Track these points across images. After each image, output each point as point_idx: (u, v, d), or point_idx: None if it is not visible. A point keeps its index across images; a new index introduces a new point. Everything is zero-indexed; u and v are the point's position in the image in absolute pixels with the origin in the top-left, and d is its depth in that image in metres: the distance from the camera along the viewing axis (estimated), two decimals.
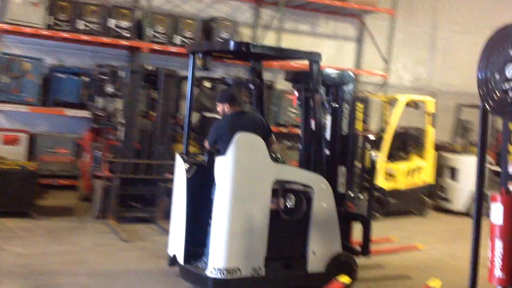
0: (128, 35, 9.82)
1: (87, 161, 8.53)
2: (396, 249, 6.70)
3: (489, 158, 10.45)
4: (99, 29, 9.66)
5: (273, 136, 5.55)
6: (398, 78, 12.98)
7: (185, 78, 8.85)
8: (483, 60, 2.69)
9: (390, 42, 12.31)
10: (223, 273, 4.77)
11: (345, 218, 5.57)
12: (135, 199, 7.84)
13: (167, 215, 7.64)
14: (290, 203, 5.12)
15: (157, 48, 10.03)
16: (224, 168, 4.92)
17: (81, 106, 9.54)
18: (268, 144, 5.24)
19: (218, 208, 4.89)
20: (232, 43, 5.35)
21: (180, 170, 5.39)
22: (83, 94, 9.57)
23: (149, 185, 7.79)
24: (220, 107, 5.49)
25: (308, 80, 5.40)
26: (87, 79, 9.59)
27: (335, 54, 12.27)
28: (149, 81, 7.97)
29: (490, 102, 2.64)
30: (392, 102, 10.35)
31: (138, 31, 10.08)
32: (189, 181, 5.24)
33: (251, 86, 6.06)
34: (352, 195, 6.25)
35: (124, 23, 9.80)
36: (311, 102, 5.41)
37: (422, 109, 10.26)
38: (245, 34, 11.49)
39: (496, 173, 10.56)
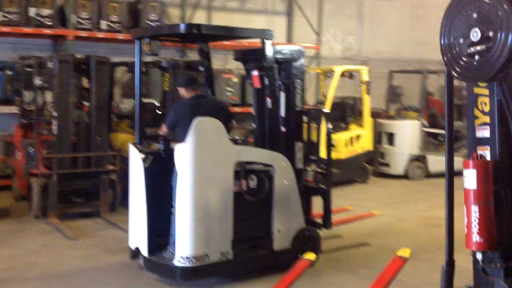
0: (51, 24, 9.34)
1: (20, 159, 8.12)
2: (355, 218, 6.79)
3: (423, 121, 10.81)
4: (18, 19, 9.13)
5: (233, 121, 5.55)
6: (330, 49, 13.09)
7: (118, 64, 8.67)
8: (446, 26, 2.68)
9: (319, 14, 12.37)
10: (191, 261, 4.73)
11: (305, 193, 5.61)
12: (77, 194, 7.58)
13: (112, 208, 7.48)
14: (252, 184, 5.12)
15: (83, 35, 9.60)
16: (184, 155, 4.83)
17: (7, 101, 9.05)
18: (229, 128, 5.27)
19: (180, 196, 4.81)
20: (182, 26, 5.18)
21: (135, 160, 5.26)
22: (7, 89, 9.09)
23: (90, 179, 7.50)
24: (180, 91, 5.39)
25: (260, 58, 5.32)
26: (10, 72, 9.10)
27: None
28: (79, 70, 7.62)
29: (456, 67, 2.64)
30: (328, 74, 10.45)
31: (61, 19, 9.61)
32: (147, 170, 5.13)
33: (201, 68, 5.98)
34: (309, 169, 6.23)
35: (46, 11, 9.30)
36: (265, 80, 5.38)
37: (357, 78, 10.42)
38: (174, 15, 11.22)
39: (432, 135, 10.96)
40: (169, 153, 5.07)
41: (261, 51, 5.28)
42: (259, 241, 5.22)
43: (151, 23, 10.08)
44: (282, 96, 5.58)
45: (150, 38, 5.28)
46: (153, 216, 5.12)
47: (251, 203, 5.11)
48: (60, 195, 7.25)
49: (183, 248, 4.75)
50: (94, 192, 7.51)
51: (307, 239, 5.42)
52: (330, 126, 6.47)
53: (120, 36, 9.81)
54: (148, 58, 9.30)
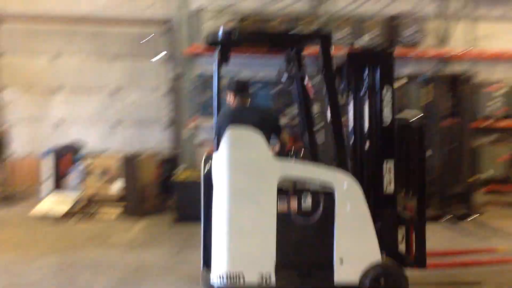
0: None
1: None
2: (491, 261, 5.66)
3: None
4: None
5: (284, 134, 5.13)
6: None
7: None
8: None
9: None
10: (224, 279, 4.47)
11: (397, 222, 4.89)
12: None
13: None
14: (305, 205, 4.66)
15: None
16: (217, 165, 4.60)
17: None
18: (281, 141, 4.99)
19: (215, 210, 4.57)
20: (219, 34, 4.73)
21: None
22: None
23: None
24: (228, 95, 5.14)
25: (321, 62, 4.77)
26: None
27: None
28: None
29: None
30: None
31: None
32: (204, 179, 4.85)
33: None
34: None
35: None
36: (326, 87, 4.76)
37: None
38: (432, 28, 11.00)
39: None
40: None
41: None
42: (315, 270, 4.69)
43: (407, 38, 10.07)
44: (366, 106, 4.93)
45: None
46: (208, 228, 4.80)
47: (304, 225, 4.63)
48: None
49: (218, 265, 4.50)
50: None
51: (383, 276, 4.63)
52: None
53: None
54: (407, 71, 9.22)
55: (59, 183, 8.95)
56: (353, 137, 5.09)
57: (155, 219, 8.22)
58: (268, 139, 4.70)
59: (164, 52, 10.69)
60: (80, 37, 10.63)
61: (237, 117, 4.83)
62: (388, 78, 4.85)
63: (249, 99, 5.17)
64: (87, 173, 8.41)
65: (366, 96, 4.92)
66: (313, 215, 4.65)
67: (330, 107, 4.70)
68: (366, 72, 4.89)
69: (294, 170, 4.64)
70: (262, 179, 4.54)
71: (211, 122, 9.58)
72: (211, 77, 9.42)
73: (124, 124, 10.84)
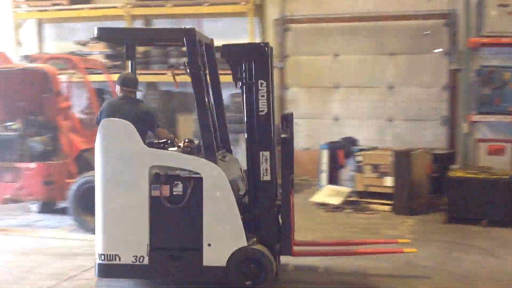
0: None
1: None
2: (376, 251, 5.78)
3: None
4: None
5: (162, 131, 5.48)
6: None
7: None
8: None
9: None
10: (103, 259, 4.99)
11: (275, 209, 5.17)
12: None
13: None
14: (175, 190, 4.95)
15: None
16: (95, 154, 5.04)
17: None
18: (158, 135, 5.41)
19: (95, 195, 5.05)
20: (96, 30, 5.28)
21: None
22: None
23: None
24: (116, 89, 5.60)
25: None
26: None
27: None
28: None
29: None
30: None
31: None
32: None
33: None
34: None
35: None
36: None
37: None
38: None
39: None
40: None
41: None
42: (185, 253, 4.99)
43: None
44: (244, 98, 5.17)
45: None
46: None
47: (175, 210, 4.95)
48: None
49: (98, 246, 5.04)
50: None
51: (249, 260, 4.93)
52: (283, 135, 5.27)
53: None
54: None
55: (334, 175, 9.48)
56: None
57: (425, 217, 8.12)
58: (143, 131, 5.18)
59: (442, 47, 10.41)
60: (360, 34, 11.04)
61: (116, 109, 5.34)
62: (262, 72, 5.03)
63: (134, 94, 5.57)
64: (359, 168, 8.73)
65: (245, 89, 5.17)
66: (182, 201, 4.94)
67: (196, 99, 5.04)
68: (243, 66, 5.14)
69: (164, 159, 5.04)
70: (134, 167, 4.95)
71: (490, 119, 9.10)
72: (492, 71, 8.96)
73: (398, 120, 10.90)
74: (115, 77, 9.80)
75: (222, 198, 4.98)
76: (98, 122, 5.22)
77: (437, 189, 8.70)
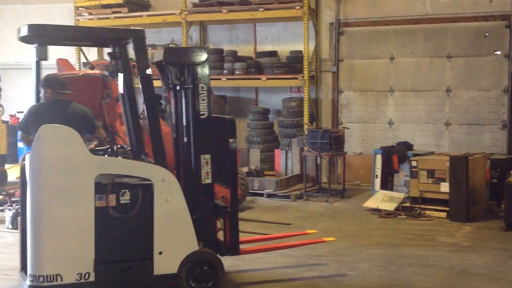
0: None
1: None
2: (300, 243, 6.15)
3: None
4: None
5: (102, 132, 5.17)
6: None
7: None
8: None
9: None
10: (40, 281, 4.37)
11: (215, 212, 5.12)
12: None
13: None
14: (123, 199, 4.61)
15: None
16: (31, 164, 4.50)
17: None
18: (98, 139, 5.03)
19: (31, 210, 4.46)
20: (24, 28, 4.71)
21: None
22: None
23: None
24: (42, 93, 5.03)
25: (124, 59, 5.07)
26: None
27: None
28: None
29: None
30: None
31: None
32: (21, 178, 4.89)
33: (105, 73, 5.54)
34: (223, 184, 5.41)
35: None
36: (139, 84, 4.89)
37: None
38: None
39: None
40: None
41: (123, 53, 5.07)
42: (135, 263, 4.70)
43: None
44: (183, 102, 5.06)
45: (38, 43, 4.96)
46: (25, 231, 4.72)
47: (123, 220, 4.62)
48: None
49: (33, 267, 4.43)
50: None
51: (200, 264, 4.85)
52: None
53: None
54: None
55: (388, 180, 9.36)
56: (175, 131, 5.27)
57: (482, 224, 7.91)
58: (82, 135, 4.65)
59: (502, 49, 10.10)
60: (417, 37, 10.87)
61: (46, 114, 4.82)
62: (203, 76, 4.98)
63: (64, 96, 5.08)
64: (414, 173, 8.59)
65: (184, 93, 5.05)
66: (131, 210, 4.63)
67: (146, 104, 4.81)
68: (184, 69, 5.01)
69: (112, 166, 4.66)
70: (78, 176, 4.49)
71: None
72: None
73: (455, 124, 10.65)
74: None
75: (174, 203, 4.80)
76: (22, 129, 4.94)
77: (496, 196, 8.46)
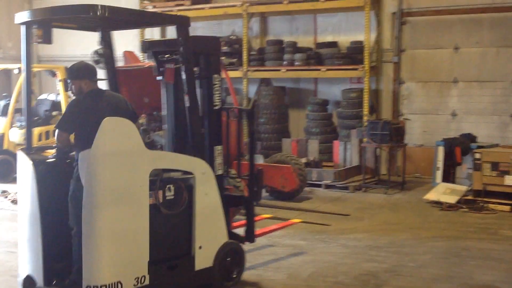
0: None
1: None
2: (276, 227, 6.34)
3: None
4: None
5: (139, 121, 4.97)
6: None
7: None
8: None
9: None
10: None
11: (226, 203, 4.96)
12: None
13: None
14: (169, 194, 4.42)
15: None
16: (91, 164, 4.03)
17: None
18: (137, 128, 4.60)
19: (87, 215, 4.02)
20: (79, 7, 4.20)
21: (26, 171, 4.44)
22: None
23: None
24: (76, 85, 4.43)
25: (175, 49, 4.65)
26: None
27: None
28: None
29: None
30: None
31: None
32: (40, 184, 4.34)
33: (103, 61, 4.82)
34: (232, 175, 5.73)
35: None
36: (182, 74, 4.64)
37: None
38: None
39: None
40: (64, 162, 4.45)
41: (174, 41, 4.64)
42: (180, 260, 4.55)
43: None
44: (199, 93, 4.84)
45: (40, 23, 4.46)
46: (49, 237, 4.35)
47: (169, 216, 4.44)
48: None
49: (91, 277, 4.00)
50: None
51: (230, 254, 4.87)
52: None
53: None
54: None
55: (450, 173, 9.20)
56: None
57: None
58: None
59: None
60: (483, 26, 10.57)
61: (98, 106, 4.37)
62: (216, 66, 4.86)
63: (97, 84, 4.56)
64: (478, 166, 8.40)
65: (200, 84, 4.88)
66: (178, 205, 4.47)
67: (189, 93, 4.63)
68: (200, 59, 4.83)
69: (164, 160, 4.47)
70: (136, 173, 4.18)
71: None
72: None
73: None
74: (232, 74, 10.28)
75: (212, 196, 4.73)
76: (63, 127, 4.34)
77: None
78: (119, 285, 4.07)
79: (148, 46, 5.03)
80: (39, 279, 4.35)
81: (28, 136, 4.68)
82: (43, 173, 4.37)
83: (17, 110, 10.63)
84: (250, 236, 5.26)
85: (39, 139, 10.48)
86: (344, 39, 11.66)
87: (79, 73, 4.43)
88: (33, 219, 4.33)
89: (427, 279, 5.35)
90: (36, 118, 10.65)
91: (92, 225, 4.03)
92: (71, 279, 4.28)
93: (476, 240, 6.67)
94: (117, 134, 4.11)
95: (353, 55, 11.19)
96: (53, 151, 4.61)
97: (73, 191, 4.25)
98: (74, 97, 4.53)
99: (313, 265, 5.72)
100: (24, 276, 4.47)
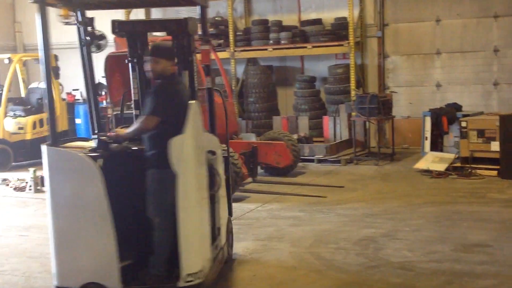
0: None
1: None
2: None
3: None
4: None
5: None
6: None
7: None
8: None
9: None
10: (198, 277, 4.06)
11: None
12: None
13: None
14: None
15: None
16: (185, 149, 4.03)
17: None
18: None
19: (183, 204, 4.00)
20: None
21: (79, 168, 3.99)
22: None
23: None
24: (161, 65, 4.20)
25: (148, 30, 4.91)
26: None
27: None
28: None
29: None
30: None
31: None
32: (105, 182, 3.98)
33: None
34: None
35: None
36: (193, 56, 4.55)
37: None
38: None
39: None
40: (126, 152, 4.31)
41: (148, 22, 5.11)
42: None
43: None
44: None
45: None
46: (119, 235, 4.03)
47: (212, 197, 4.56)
48: None
49: (190, 265, 4.04)
50: None
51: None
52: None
53: None
54: None
55: (437, 142, 9.48)
56: None
57: None
58: None
59: None
60: None
61: (179, 90, 4.27)
62: (193, 46, 4.55)
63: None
64: (464, 134, 8.70)
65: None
66: (215, 184, 4.57)
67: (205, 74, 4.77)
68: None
69: (212, 142, 4.65)
70: (204, 157, 4.36)
71: None
72: None
73: (504, 84, 10.63)
74: (220, 55, 10.33)
75: (222, 174, 4.86)
76: (160, 114, 4.10)
77: None
78: (202, 273, 4.11)
79: (118, 27, 4.63)
80: (111, 283, 3.97)
81: (52, 128, 4.17)
82: (107, 169, 4.07)
83: (9, 100, 10.68)
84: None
85: (34, 127, 10.58)
86: (328, 16, 11.82)
87: (171, 53, 4.30)
88: (101, 220, 3.96)
89: (423, 241, 5.64)
90: (29, 106, 10.73)
91: (187, 215, 4.02)
92: (152, 273, 4.14)
93: (466, 204, 6.99)
94: (196, 118, 4.17)
95: (337, 31, 11.36)
96: (82, 143, 4.47)
97: (156, 180, 4.12)
98: (150, 79, 4.45)
99: (314, 234, 5.98)
100: (82, 284, 3.98)
